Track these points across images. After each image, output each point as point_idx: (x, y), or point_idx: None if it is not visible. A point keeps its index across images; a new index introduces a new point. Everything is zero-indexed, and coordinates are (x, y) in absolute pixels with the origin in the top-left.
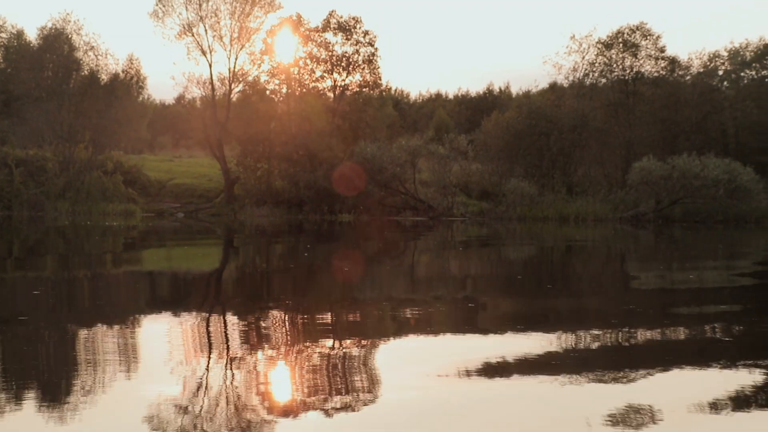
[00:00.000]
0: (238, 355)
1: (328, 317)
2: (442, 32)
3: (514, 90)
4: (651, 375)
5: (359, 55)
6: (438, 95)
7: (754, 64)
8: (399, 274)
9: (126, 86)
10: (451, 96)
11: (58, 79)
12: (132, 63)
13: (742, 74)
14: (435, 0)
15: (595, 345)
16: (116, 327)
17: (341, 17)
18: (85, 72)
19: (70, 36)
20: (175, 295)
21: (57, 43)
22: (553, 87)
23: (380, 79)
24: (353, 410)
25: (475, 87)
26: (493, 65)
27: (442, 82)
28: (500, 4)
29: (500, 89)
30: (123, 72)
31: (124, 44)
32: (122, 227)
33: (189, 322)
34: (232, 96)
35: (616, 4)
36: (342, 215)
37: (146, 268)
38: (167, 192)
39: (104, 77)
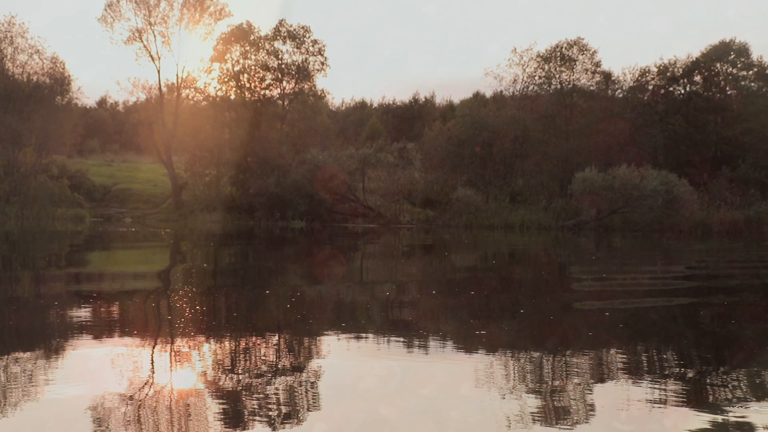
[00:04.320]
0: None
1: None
2: (363, 40)
3: (438, 99)
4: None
5: (308, 63)
6: (363, 103)
7: (681, 80)
8: (356, 278)
9: (53, 90)
10: (376, 104)
11: None
12: (56, 66)
13: (671, 89)
14: (353, 6)
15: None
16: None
17: (291, 26)
18: (32, 76)
19: (13, 38)
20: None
21: None
22: (476, 96)
23: (315, 87)
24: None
25: (399, 96)
26: (416, 75)
27: (365, 91)
28: (420, 13)
29: (426, 98)
30: (47, 75)
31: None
32: (69, 232)
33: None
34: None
35: (546, 18)
36: (294, 221)
37: (84, 285)
38: (112, 197)
39: (48, 80)
